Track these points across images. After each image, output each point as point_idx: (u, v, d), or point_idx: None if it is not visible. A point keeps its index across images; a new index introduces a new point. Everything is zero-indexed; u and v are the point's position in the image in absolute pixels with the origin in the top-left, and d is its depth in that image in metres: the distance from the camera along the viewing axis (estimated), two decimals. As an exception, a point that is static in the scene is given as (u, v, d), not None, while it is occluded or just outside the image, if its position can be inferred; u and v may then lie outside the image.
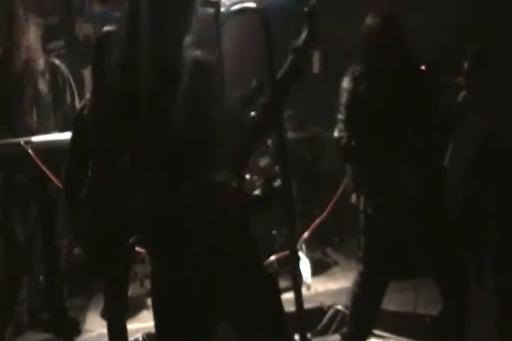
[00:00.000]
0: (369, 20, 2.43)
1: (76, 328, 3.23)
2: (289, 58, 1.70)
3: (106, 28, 2.58)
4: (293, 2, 4.53)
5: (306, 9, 1.67)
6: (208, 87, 1.58)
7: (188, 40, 1.58)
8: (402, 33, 2.42)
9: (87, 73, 4.14)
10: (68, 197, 2.54)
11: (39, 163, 2.94)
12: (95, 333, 3.19)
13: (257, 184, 3.75)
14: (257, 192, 1.64)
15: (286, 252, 2.54)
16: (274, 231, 3.71)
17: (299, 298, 1.47)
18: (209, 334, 1.69)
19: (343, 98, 2.46)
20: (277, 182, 1.63)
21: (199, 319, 1.63)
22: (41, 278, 3.40)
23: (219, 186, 1.59)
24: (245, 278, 1.69)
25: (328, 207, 3.20)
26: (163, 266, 1.67)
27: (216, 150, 1.58)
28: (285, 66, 1.69)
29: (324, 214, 3.23)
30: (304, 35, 1.68)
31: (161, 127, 1.56)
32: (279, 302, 1.78)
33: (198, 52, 1.58)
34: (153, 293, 1.74)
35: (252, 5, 1.55)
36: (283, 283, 3.14)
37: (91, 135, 1.83)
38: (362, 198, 2.54)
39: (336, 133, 2.47)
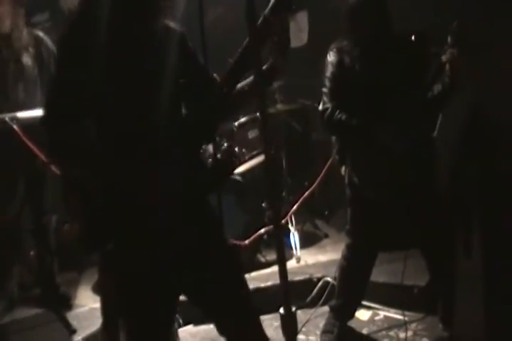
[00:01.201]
0: None
1: (67, 303, 3.25)
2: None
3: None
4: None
5: None
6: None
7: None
8: (385, 6, 2.41)
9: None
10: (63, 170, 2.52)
11: (25, 139, 2.89)
12: (86, 308, 3.20)
13: (246, 157, 3.75)
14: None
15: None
16: (263, 204, 3.74)
17: (283, 271, 1.47)
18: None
19: (328, 71, 2.47)
20: None
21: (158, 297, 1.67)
22: (31, 253, 3.41)
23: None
24: (206, 251, 1.71)
25: (317, 180, 3.20)
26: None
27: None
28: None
29: (313, 187, 3.23)
30: None
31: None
32: (241, 280, 1.80)
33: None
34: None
35: None
36: (274, 255, 3.21)
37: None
38: (347, 170, 2.54)
39: (320, 106, 2.49)
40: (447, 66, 2.29)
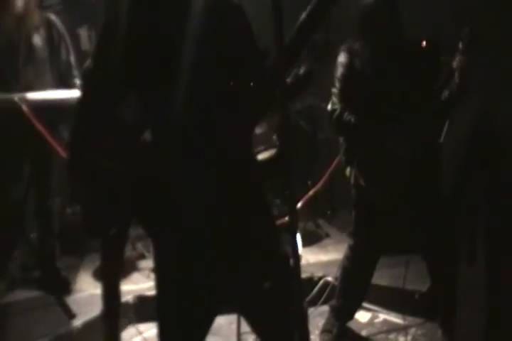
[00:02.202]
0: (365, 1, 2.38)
1: (67, 287, 3.24)
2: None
3: None
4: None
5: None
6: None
7: None
8: (398, 11, 2.38)
9: (82, 32, 4.04)
10: (73, 157, 2.51)
11: (33, 120, 2.87)
12: (86, 293, 3.20)
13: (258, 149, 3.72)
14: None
15: (284, 220, 2.52)
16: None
17: (297, 268, 1.45)
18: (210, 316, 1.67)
19: (338, 71, 2.44)
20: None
21: (201, 299, 1.61)
22: (33, 235, 3.41)
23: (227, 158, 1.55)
24: (253, 258, 1.64)
25: (322, 179, 3.17)
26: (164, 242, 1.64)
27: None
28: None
29: (318, 186, 3.20)
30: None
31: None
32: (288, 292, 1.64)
33: None
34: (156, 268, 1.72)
35: None
36: None
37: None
38: (354, 171, 2.51)
39: (329, 106, 2.48)
40: (456, 73, 2.28)
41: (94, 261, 3.43)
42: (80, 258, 3.64)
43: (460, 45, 2.31)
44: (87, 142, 2.49)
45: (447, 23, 2.91)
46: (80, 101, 2.51)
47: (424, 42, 2.37)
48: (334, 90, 2.47)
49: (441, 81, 2.37)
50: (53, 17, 3.22)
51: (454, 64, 2.29)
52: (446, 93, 2.35)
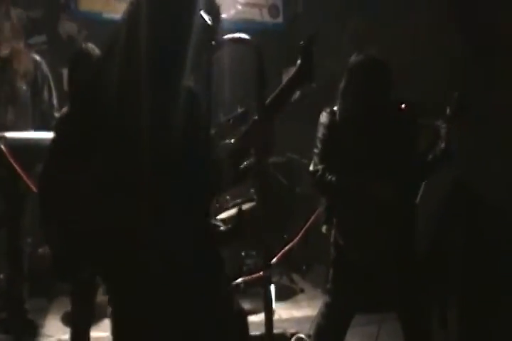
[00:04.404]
0: (354, 60, 2.44)
1: (33, 331, 3.17)
2: (278, 90, 1.65)
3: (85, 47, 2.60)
4: (282, 24, 4.66)
5: (301, 43, 1.64)
6: (199, 115, 1.56)
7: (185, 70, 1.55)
8: (386, 75, 2.43)
9: (65, 72, 4.10)
10: (42, 198, 2.51)
11: (10, 159, 2.88)
12: (54, 338, 3.13)
13: (230, 205, 3.71)
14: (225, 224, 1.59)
15: (258, 274, 2.52)
16: (242, 253, 3.70)
17: (269, 323, 1.46)
18: None
19: (320, 132, 2.49)
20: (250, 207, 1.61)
21: None
22: (1, 276, 3.33)
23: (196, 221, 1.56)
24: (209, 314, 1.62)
25: (299, 235, 3.18)
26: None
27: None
28: (272, 97, 1.65)
29: (294, 242, 3.20)
30: (297, 69, 1.63)
31: (150, 152, 1.51)
32: None
33: (190, 82, 1.57)
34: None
35: (245, 36, 1.55)
36: (249, 305, 3.14)
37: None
38: (333, 230, 2.54)
39: (311, 167, 2.50)
40: (442, 139, 2.35)
41: (64, 305, 3.32)
42: (49, 300, 3.58)
43: (448, 111, 2.36)
44: (57, 182, 2.51)
45: (437, 85, 3.05)
46: (52, 141, 2.55)
47: (402, 105, 2.43)
48: (316, 150, 2.50)
49: (426, 145, 2.42)
50: (38, 58, 3.26)
51: (441, 130, 2.35)
52: (429, 157, 2.40)
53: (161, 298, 1.56)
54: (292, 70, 1.65)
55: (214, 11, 1.59)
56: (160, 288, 1.56)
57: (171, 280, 1.56)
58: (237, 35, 1.57)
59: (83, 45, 2.66)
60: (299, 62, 1.63)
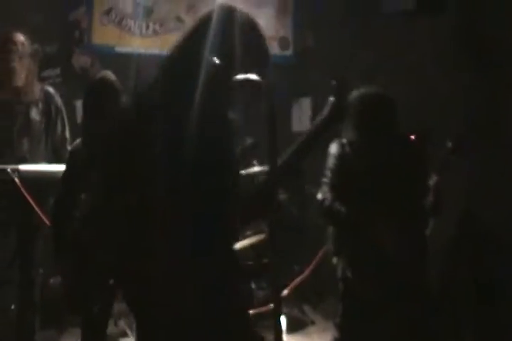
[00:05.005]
0: (362, 92, 2.49)
1: (44, 362, 3.18)
2: (311, 130, 1.67)
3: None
4: (292, 57, 4.72)
5: (333, 82, 1.66)
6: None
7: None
8: (394, 107, 2.49)
9: (79, 104, 4.19)
10: (55, 228, 2.56)
11: (23, 191, 2.93)
12: (64, 370, 3.12)
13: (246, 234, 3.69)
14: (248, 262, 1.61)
15: (269, 306, 2.53)
16: (253, 285, 3.63)
17: None
18: None
19: (330, 162, 2.53)
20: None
21: None
22: (12, 307, 3.35)
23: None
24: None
25: (310, 267, 3.17)
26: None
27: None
28: (303, 138, 1.66)
29: (305, 273, 3.19)
30: (328, 108, 1.64)
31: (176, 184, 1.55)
32: None
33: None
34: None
35: (255, 77, 1.58)
36: None
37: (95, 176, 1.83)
38: (341, 263, 2.55)
39: (319, 195, 2.53)
40: (431, 192, 2.41)
41: (75, 336, 3.31)
42: (60, 331, 3.57)
43: (450, 144, 2.41)
44: (70, 215, 2.56)
45: (445, 113, 3.07)
46: (64, 176, 2.61)
47: (411, 138, 2.48)
48: (325, 180, 2.54)
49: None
50: (52, 90, 3.32)
51: (430, 182, 2.39)
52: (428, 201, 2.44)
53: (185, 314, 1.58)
54: (303, 101, 1.69)
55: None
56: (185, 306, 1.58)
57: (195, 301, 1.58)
58: (247, 76, 1.61)
59: (103, 73, 2.66)
60: (331, 101, 1.65)
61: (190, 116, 1.53)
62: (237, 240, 1.69)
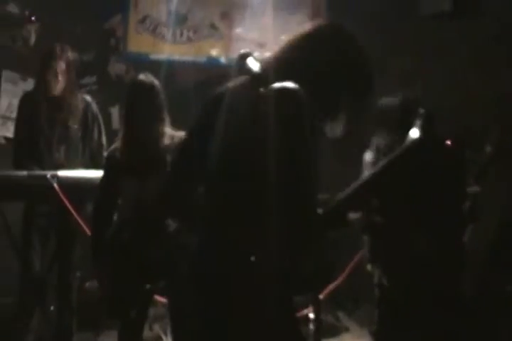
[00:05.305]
0: (397, 99, 2.49)
1: (81, 364, 3.24)
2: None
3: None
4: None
5: (421, 111, 1.63)
6: None
7: None
8: (429, 114, 2.39)
9: (114, 111, 4.27)
10: (95, 233, 2.61)
11: (62, 196, 3.00)
12: (100, 372, 3.18)
13: None
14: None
15: (304, 311, 2.52)
16: None
17: None
18: None
19: (364, 170, 2.53)
20: None
21: None
22: (52, 308, 3.43)
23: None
24: None
25: (345, 272, 3.14)
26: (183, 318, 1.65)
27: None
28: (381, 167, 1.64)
29: (340, 279, 3.15)
30: (414, 136, 1.62)
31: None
32: None
33: None
34: None
35: (292, 86, 1.55)
36: None
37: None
38: (377, 270, 2.54)
39: None
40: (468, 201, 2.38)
41: (110, 338, 3.39)
42: (96, 334, 3.63)
43: (488, 144, 2.37)
44: (108, 220, 2.61)
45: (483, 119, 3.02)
46: (102, 181, 2.65)
47: (448, 142, 2.43)
48: None
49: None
50: (89, 98, 3.40)
51: (468, 188, 2.38)
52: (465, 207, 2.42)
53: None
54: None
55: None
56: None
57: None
58: (283, 85, 1.59)
59: (143, 75, 2.64)
60: (418, 128, 1.62)
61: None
62: None
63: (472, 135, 2.64)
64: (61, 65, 3.22)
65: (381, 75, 3.94)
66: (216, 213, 1.57)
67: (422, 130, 1.59)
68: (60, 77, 3.22)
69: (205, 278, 1.55)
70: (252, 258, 1.48)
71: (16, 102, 3.58)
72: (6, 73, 4.18)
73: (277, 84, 1.46)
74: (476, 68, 3.48)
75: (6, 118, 4.18)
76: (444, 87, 3.40)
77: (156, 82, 2.60)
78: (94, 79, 4.38)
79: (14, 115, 3.55)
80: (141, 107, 2.51)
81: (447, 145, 2.44)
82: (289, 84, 1.46)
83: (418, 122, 1.59)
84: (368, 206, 1.60)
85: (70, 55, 3.31)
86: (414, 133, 1.59)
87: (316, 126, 1.54)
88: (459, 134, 2.52)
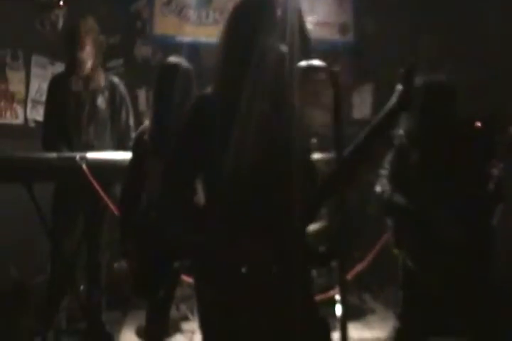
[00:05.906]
0: (423, 81, 2.39)
1: None
2: (380, 118, 1.65)
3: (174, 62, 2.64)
4: (353, 42, 4.62)
5: (401, 70, 1.63)
6: None
7: None
8: (449, 95, 2.41)
9: (141, 94, 4.29)
10: (123, 213, 2.64)
11: (91, 178, 3.02)
12: (128, 350, 3.23)
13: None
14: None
15: (330, 293, 2.51)
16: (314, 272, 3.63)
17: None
18: None
19: (389, 154, 2.49)
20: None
21: None
22: (81, 288, 3.50)
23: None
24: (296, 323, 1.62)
25: (370, 255, 3.12)
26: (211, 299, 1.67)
27: None
28: (371, 126, 1.65)
29: (365, 261, 3.15)
30: (397, 96, 1.62)
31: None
32: None
33: None
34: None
35: (321, 64, 1.55)
36: None
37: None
38: (402, 254, 2.51)
39: (378, 188, 2.50)
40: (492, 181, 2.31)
41: (138, 318, 3.42)
42: (124, 313, 3.68)
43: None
44: (137, 201, 2.63)
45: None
46: (130, 163, 2.67)
47: (477, 123, 2.39)
48: (384, 172, 2.50)
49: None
50: (116, 79, 3.42)
51: (493, 171, 2.31)
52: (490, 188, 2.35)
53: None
54: (364, 88, 1.65)
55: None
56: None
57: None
58: (313, 62, 1.58)
59: (174, 57, 2.65)
60: (399, 89, 1.62)
61: (263, 105, 1.53)
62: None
63: (499, 116, 2.57)
64: (87, 47, 3.23)
65: (412, 52, 3.87)
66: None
67: (404, 82, 1.54)
68: (86, 57, 3.23)
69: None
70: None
71: (45, 86, 3.61)
72: (35, 58, 4.23)
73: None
74: (507, 47, 3.39)
75: (35, 102, 4.24)
76: (473, 67, 3.32)
77: (186, 64, 2.60)
78: (120, 61, 4.39)
79: (44, 99, 3.58)
80: (170, 89, 2.51)
81: (474, 126, 2.39)
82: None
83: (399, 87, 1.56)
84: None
85: (97, 34, 3.32)
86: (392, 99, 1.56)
87: None
88: (486, 115, 2.45)
